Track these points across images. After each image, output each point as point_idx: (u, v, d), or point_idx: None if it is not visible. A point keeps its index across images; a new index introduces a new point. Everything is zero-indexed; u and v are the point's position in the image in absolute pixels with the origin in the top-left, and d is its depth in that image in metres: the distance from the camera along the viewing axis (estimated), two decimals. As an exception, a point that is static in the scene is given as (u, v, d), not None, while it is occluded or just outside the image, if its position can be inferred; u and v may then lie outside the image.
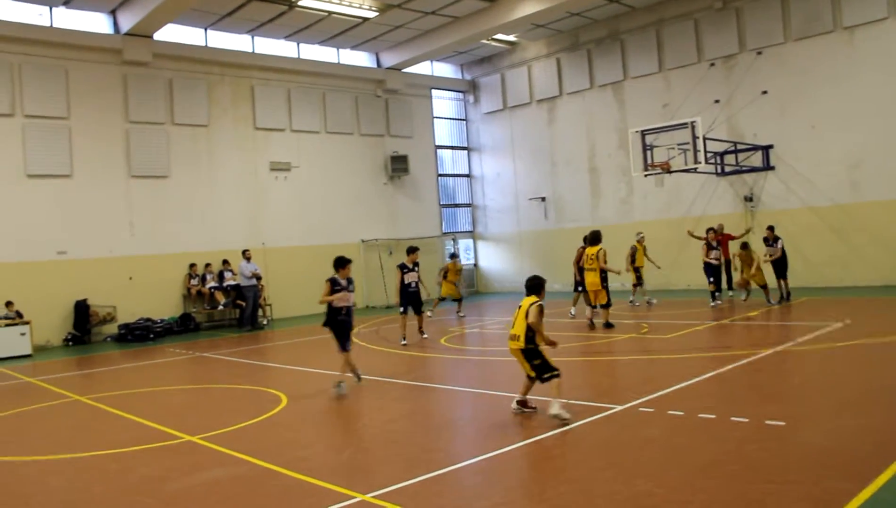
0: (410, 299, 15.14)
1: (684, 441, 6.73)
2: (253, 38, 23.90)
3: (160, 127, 21.74)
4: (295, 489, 6.13)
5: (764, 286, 17.40)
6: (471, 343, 15.38)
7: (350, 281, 10.50)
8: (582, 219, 25.75)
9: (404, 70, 27.26)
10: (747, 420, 7.10)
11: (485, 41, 26.22)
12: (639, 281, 19.37)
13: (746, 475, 5.61)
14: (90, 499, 6.35)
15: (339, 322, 10.37)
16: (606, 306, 15.03)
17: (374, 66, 26.92)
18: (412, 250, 15.64)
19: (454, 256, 22.20)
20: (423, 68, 28.16)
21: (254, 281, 20.97)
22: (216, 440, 7.82)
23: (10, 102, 19.24)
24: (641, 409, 7.93)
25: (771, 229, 17.75)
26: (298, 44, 24.99)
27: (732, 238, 19.46)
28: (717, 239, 18.64)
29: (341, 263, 10.46)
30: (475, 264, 29.99)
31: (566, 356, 12.04)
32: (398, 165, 27.04)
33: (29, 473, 7.35)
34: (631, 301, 19.24)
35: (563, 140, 26.76)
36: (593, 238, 15.37)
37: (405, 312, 15.08)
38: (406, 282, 15.07)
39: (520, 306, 8.08)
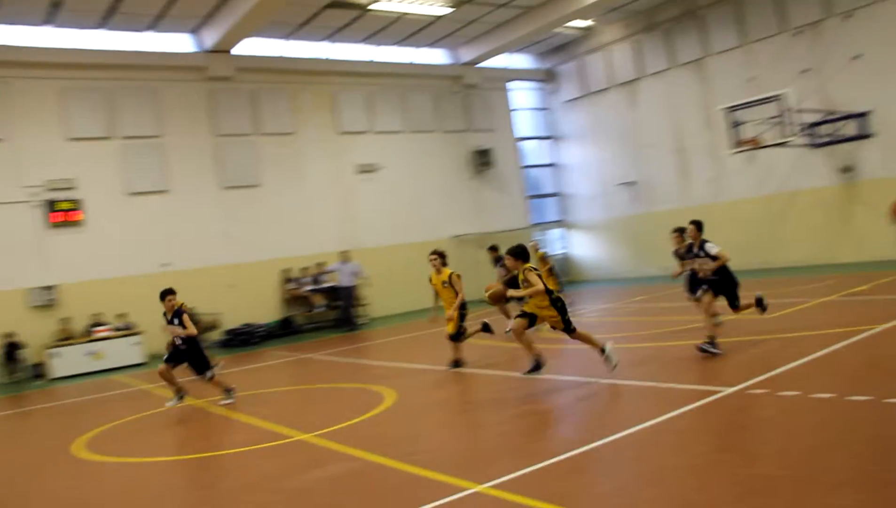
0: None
1: (802, 422, 6.55)
2: (331, 44, 24.29)
3: (247, 138, 22.37)
4: (410, 481, 6.22)
5: None
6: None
7: (177, 314, 10.65)
8: (671, 201, 25.22)
9: (481, 64, 27.25)
10: (868, 399, 6.85)
11: (560, 28, 25.97)
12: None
13: (875, 455, 5.42)
14: (215, 496, 6.62)
15: (178, 352, 10.79)
16: (457, 336, 11.76)
17: (451, 62, 27.00)
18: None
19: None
20: (499, 61, 28.07)
21: (354, 281, 21.23)
22: (328, 438, 8.00)
23: (107, 125, 20.16)
24: (752, 391, 7.75)
25: (493, 248, 14.19)
26: (375, 46, 25.28)
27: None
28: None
29: (162, 296, 10.75)
30: (567, 254, 29.74)
31: (667, 340, 11.86)
32: (482, 159, 27.07)
33: (156, 473, 7.70)
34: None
35: (647, 122, 26.28)
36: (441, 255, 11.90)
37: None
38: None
39: None
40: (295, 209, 22.87)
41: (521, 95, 29.68)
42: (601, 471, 6.02)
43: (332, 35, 23.59)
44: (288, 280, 22.15)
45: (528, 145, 29.84)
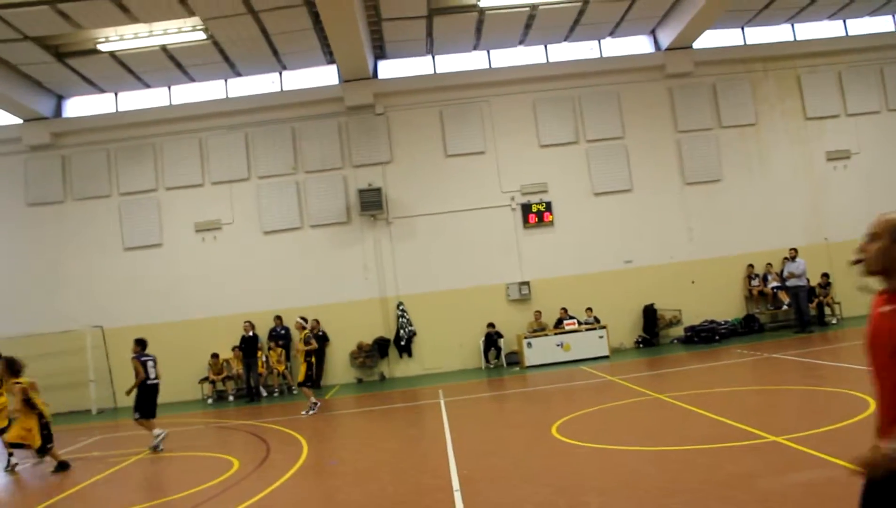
0: None
1: None
2: (793, 25, 22.78)
3: (709, 132, 22.03)
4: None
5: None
6: None
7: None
8: None
9: None
10: None
11: None
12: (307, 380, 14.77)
13: None
14: (687, 489, 6.69)
15: None
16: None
17: (947, 23, 23.48)
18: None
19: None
20: None
21: (801, 281, 19.67)
22: (803, 442, 7.59)
23: (574, 130, 21.56)
24: None
25: (139, 342, 12.82)
26: (845, 21, 23.05)
27: None
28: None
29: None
30: None
31: None
32: (985, 135, 23.05)
33: (626, 461, 8.04)
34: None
35: None
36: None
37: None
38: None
39: None
40: (758, 202, 21.88)
41: None
42: None
43: (795, 15, 22.12)
44: (751, 276, 21.33)
45: None
